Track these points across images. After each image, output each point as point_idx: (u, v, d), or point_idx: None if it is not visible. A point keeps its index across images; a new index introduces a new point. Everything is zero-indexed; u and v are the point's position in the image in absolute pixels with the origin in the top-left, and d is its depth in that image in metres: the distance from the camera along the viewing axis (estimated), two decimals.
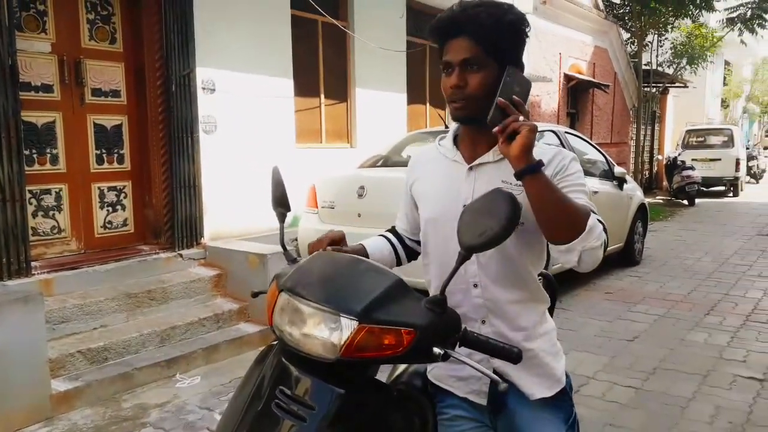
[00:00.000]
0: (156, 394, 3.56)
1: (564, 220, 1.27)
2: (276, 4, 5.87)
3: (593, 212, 1.31)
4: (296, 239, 5.51)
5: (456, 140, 1.52)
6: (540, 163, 1.25)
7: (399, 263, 1.70)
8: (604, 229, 1.31)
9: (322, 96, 6.72)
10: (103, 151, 4.65)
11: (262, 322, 4.44)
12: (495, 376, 1.23)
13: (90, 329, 3.87)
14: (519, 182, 1.28)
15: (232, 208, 5.42)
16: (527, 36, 1.40)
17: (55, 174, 4.36)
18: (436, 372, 1.56)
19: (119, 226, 4.78)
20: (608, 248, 1.36)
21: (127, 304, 4.10)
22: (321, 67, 6.68)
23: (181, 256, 4.79)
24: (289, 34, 6.04)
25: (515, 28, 1.37)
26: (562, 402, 1.49)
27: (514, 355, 1.25)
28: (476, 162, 1.44)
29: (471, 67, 1.35)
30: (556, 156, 1.40)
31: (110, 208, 4.71)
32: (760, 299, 5.63)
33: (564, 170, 1.38)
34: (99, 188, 4.64)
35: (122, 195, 4.80)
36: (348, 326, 1.19)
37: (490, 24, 1.34)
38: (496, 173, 1.40)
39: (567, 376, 1.54)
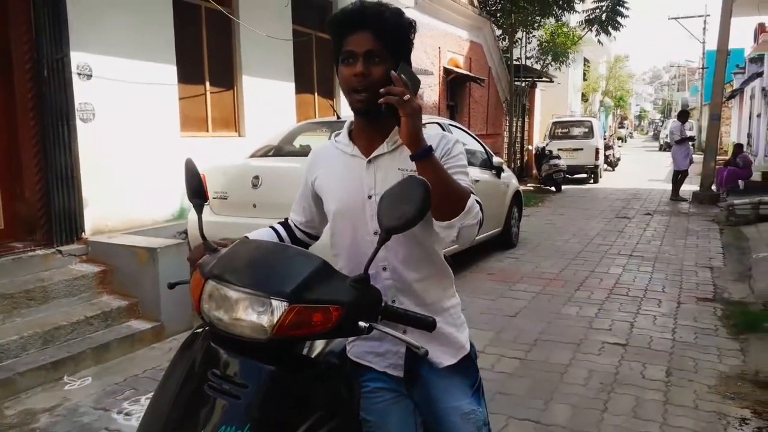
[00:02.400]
0: (43, 399, 3.35)
1: (448, 199, 1.40)
2: None
3: (472, 193, 1.46)
4: (185, 231, 5.33)
5: (351, 135, 1.62)
6: (430, 148, 1.38)
7: None
8: (481, 209, 1.46)
9: (208, 83, 6.51)
10: None
11: (154, 319, 4.28)
12: (414, 342, 1.35)
13: None
14: (413, 168, 1.40)
15: (114, 200, 5.14)
16: (413, 40, 1.56)
17: None
18: (355, 350, 1.65)
19: None
20: (489, 233, 1.52)
21: (2, 305, 3.79)
22: (205, 53, 6.46)
23: (60, 252, 4.48)
24: (171, 18, 5.79)
25: (409, 30, 1.52)
26: (468, 369, 1.66)
27: (429, 324, 1.38)
28: (374, 154, 1.55)
29: (374, 59, 1.46)
30: (441, 140, 1.54)
31: None
32: (621, 274, 6.28)
33: (449, 153, 1.53)
34: None
35: None
36: (279, 308, 1.27)
37: (392, 22, 1.47)
38: (392, 162, 1.52)
39: (472, 345, 1.70)
